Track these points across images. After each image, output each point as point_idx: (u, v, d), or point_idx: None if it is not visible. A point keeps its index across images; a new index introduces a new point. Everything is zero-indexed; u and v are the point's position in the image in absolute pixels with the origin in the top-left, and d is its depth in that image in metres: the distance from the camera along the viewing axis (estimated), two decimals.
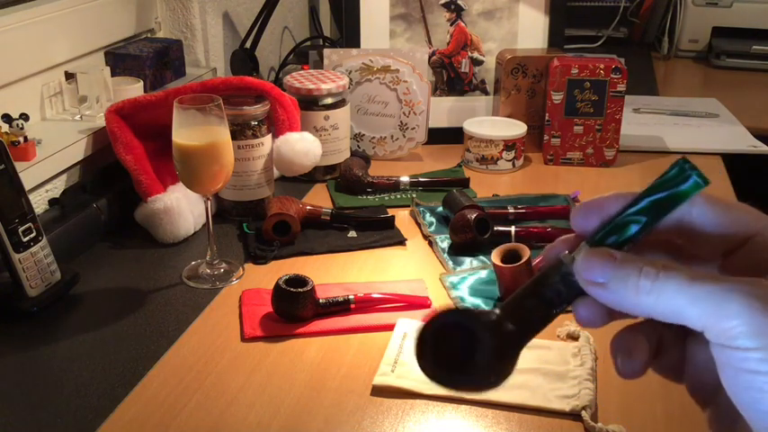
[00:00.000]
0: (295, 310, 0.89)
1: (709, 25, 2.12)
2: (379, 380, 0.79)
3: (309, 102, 1.28)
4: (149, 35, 1.47)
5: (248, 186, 1.16)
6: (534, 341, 0.90)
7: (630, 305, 0.35)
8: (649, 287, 0.34)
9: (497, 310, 0.38)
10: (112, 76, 1.23)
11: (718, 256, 0.38)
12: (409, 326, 0.88)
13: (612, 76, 1.33)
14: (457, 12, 1.45)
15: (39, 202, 1.06)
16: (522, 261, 0.89)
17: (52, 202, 1.07)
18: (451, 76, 1.49)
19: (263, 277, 1.00)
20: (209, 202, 1.00)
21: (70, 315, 0.93)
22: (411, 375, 0.79)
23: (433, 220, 1.16)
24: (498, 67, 1.44)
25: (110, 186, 1.12)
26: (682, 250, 0.39)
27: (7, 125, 1.03)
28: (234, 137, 1.04)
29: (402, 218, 1.17)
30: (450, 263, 1.04)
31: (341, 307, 0.91)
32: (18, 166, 0.91)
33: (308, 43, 1.82)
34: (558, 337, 0.87)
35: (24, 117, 1.04)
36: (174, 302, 0.95)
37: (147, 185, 1.08)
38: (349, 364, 0.83)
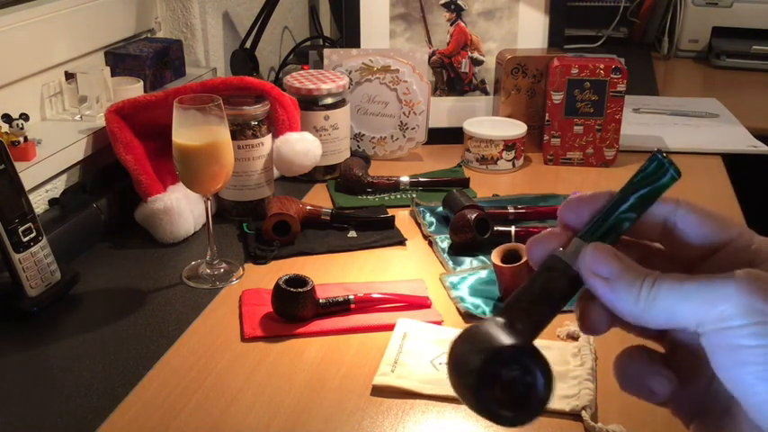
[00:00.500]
0: (295, 310, 0.89)
1: (710, 25, 2.12)
2: (379, 380, 0.79)
3: (309, 102, 1.28)
4: (149, 35, 1.47)
5: (248, 186, 1.16)
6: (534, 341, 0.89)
7: (626, 309, 0.36)
8: (646, 293, 0.35)
9: (500, 318, 0.38)
10: (112, 76, 1.23)
11: (696, 259, 0.39)
12: (409, 326, 0.88)
13: (612, 76, 1.33)
14: (457, 12, 1.46)
15: (39, 202, 1.06)
16: (522, 261, 0.90)
17: (52, 202, 1.07)
18: (451, 76, 1.49)
19: (263, 277, 1.00)
20: (209, 202, 1.00)
21: (70, 315, 0.93)
22: (411, 375, 0.79)
23: (433, 220, 1.16)
24: (498, 67, 1.44)
25: (110, 186, 1.12)
26: (660, 253, 0.40)
27: (7, 125, 1.03)
28: (234, 137, 1.04)
29: (402, 218, 1.17)
30: (450, 263, 1.04)
31: (341, 307, 0.91)
32: (18, 166, 0.91)
33: (308, 43, 1.82)
34: (558, 337, 0.87)
35: (24, 117, 1.04)
36: (174, 302, 0.95)
37: (147, 185, 1.08)
38: (349, 364, 0.83)
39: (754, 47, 2.03)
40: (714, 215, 0.39)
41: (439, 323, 0.90)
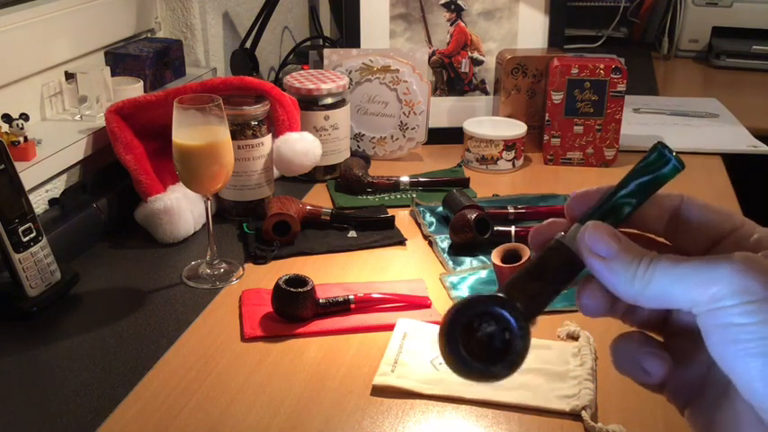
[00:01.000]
0: (295, 310, 0.89)
1: (709, 25, 2.12)
2: (379, 380, 0.79)
3: (309, 102, 1.28)
4: (149, 35, 1.47)
5: (248, 186, 1.16)
6: (534, 341, 0.90)
7: (623, 289, 0.36)
8: (642, 274, 0.35)
9: (501, 294, 0.39)
10: (112, 76, 1.23)
11: (700, 250, 0.40)
12: (409, 326, 0.88)
13: (612, 76, 1.33)
14: (457, 12, 1.46)
15: (39, 202, 1.06)
16: (522, 261, 0.89)
17: (52, 202, 1.07)
18: (451, 76, 1.49)
19: (263, 277, 1.00)
20: (209, 202, 1.00)
21: (70, 315, 0.93)
22: (411, 375, 0.79)
23: (433, 220, 1.16)
24: (498, 67, 1.44)
25: (110, 186, 1.12)
26: (665, 247, 0.41)
27: (7, 125, 1.03)
28: (234, 137, 1.04)
29: (402, 218, 1.17)
30: (450, 263, 1.04)
31: (341, 307, 0.91)
32: (18, 166, 0.91)
33: (308, 43, 1.82)
34: (558, 337, 0.87)
35: (24, 117, 1.04)
36: (174, 302, 0.95)
37: (147, 185, 1.08)
38: (349, 364, 0.83)
39: (754, 47, 2.03)
40: (718, 207, 0.40)
41: (439, 323, 0.90)
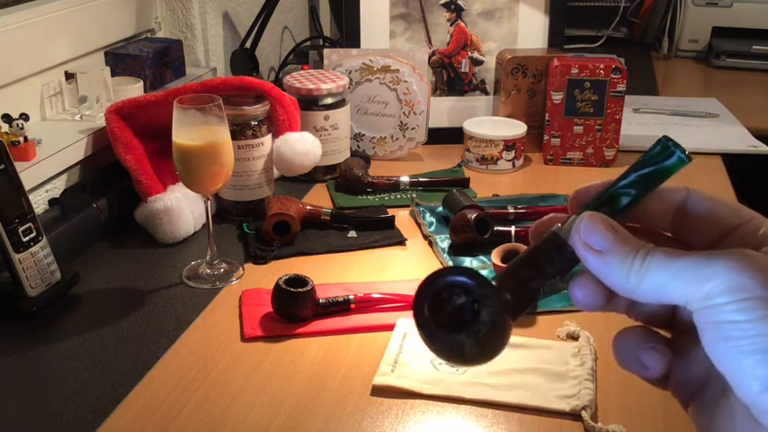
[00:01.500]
0: (295, 310, 0.89)
1: (709, 25, 2.12)
2: (379, 380, 0.79)
3: (309, 102, 1.28)
4: (149, 35, 1.47)
5: (248, 186, 1.16)
6: (534, 341, 0.90)
7: (618, 283, 0.36)
8: (638, 268, 0.35)
9: (494, 281, 0.38)
10: (112, 76, 1.23)
11: (706, 245, 0.39)
12: (409, 326, 0.88)
13: (612, 76, 1.33)
14: (457, 12, 1.46)
15: (39, 202, 1.06)
16: None
17: (52, 202, 1.07)
18: (451, 76, 1.49)
19: (263, 277, 1.00)
20: (209, 202, 1.00)
21: (70, 315, 0.93)
22: (411, 375, 0.79)
23: (433, 220, 1.16)
24: (498, 67, 1.44)
25: (110, 186, 1.12)
26: (670, 242, 0.40)
27: (7, 125, 1.03)
28: (234, 137, 1.04)
29: (402, 218, 1.17)
30: (450, 263, 1.04)
31: (341, 307, 0.91)
32: (18, 166, 0.91)
33: (308, 43, 1.82)
34: (558, 337, 0.87)
35: (24, 117, 1.04)
36: (174, 302, 0.95)
37: (147, 185, 1.08)
38: (349, 364, 0.83)
39: (754, 47, 2.03)
40: (725, 200, 0.39)
41: None
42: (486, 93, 1.50)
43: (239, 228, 1.14)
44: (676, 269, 0.34)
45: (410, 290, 0.95)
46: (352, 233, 1.12)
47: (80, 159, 1.13)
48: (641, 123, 1.60)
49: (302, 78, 1.30)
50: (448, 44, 1.47)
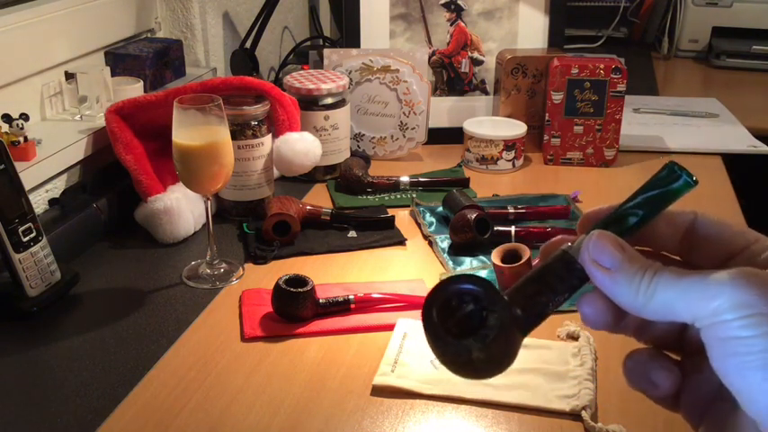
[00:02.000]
0: (295, 310, 0.89)
1: (709, 25, 2.12)
2: (379, 380, 0.79)
3: (309, 102, 1.28)
4: (149, 35, 1.47)
5: (248, 186, 1.16)
6: (534, 341, 0.90)
7: (626, 301, 0.36)
8: (646, 287, 0.35)
9: (506, 295, 0.39)
10: (112, 76, 1.23)
11: (713, 266, 0.39)
12: (409, 326, 0.88)
13: (612, 76, 1.33)
14: (457, 12, 1.46)
15: (39, 202, 1.06)
16: (522, 261, 0.90)
17: (52, 202, 1.07)
18: (451, 76, 1.49)
19: (263, 277, 1.00)
20: (209, 202, 1.00)
21: (70, 315, 0.93)
22: (411, 375, 0.79)
23: (433, 220, 1.16)
24: (498, 67, 1.44)
25: (110, 186, 1.12)
26: (679, 264, 0.41)
27: (7, 125, 1.03)
28: (234, 137, 1.04)
29: (402, 218, 1.17)
30: (450, 263, 1.04)
31: (341, 307, 0.91)
32: (18, 166, 0.91)
33: (308, 43, 1.82)
34: (558, 337, 0.87)
35: (24, 117, 1.04)
36: (174, 302, 0.95)
37: (147, 185, 1.08)
38: (349, 364, 0.83)
39: (754, 47, 2.03)
40: (731, 223, 0.40)
41: None
42: (486, 93, 1.50)
43: (239, 228, 1.14)
44: (683, 287, 0.34)
45: (410, 290, 0.96)
46: (352, 233, 1.12)
47: (80, 159, 1.13)
48: (641, 123, 1.60)
49: (302, 78, 1.30)
50: (448, 44, 1.47)
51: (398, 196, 1.25)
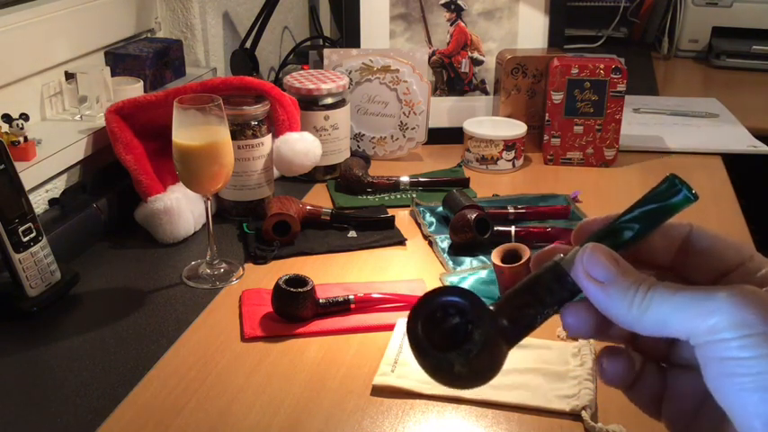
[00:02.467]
0: (295, 310, 0.89)
1: (709, 25, 2.12)
2: (379, 380, 0.79)
3: (309, 102, 1.28)
4: (149, 35, 1.47)
5: (248, 186, 1.16)
6: (534, 341, 0.90)
7: (619, 315, 0.36)
8: (640, 301, 0.35)
9: (492, 307, 0.38)
10: (112, 76, 1.23)
11: (707, 283, 0.39)
12: None
13: (612, 76, 1.33)
14: (457, 12, 1.46)
15: (39, 202, 1.06)
16: (522, 261, 0.90)
17: (52, 202, 1.07)
18: (451, 76, 1.49)
19: (263, 277, 1.00)
20: (209, 202, 1.00)
21: (70, 315, 0.93)
22: (411, 375, 0.79)
23: (433, 220, 1.16)
24: (498, 67, 1.44)
25: (110, 186, 1.12)
26: (673, 278, 0.40)
27: (7, 125, 1.03)
28: (234, 137, 1.04)
29: (402, 218, 1.17)
30: (450, 263, 1.04)
31: (341, 307, 0.91)
32: (18, 166, 0.91)
33: (308, 43, 1.82)
34: (558, 337, 0.87)
35: (24, 117, 1.04)
36: (174, 302, 0.95)
37: (147, 185, 1.08)
38: (349, 364, 0.83)
39: (754, 47, 2.03)
40: (727, 238, 0.39)
41: None
42: (486, 93, 1.50)
43: (239, 228, 1.14)
44: (679, 302, 0.34)
45: (410, 290, 0.96)
46: (352, 233, 1.12)
47: (80, 159, 1.13)
48: (641, 123, 1.60)
49: (302, 78, 1.30)
50: (448, 44, 1.47)
51: (398, 196, 1.25)
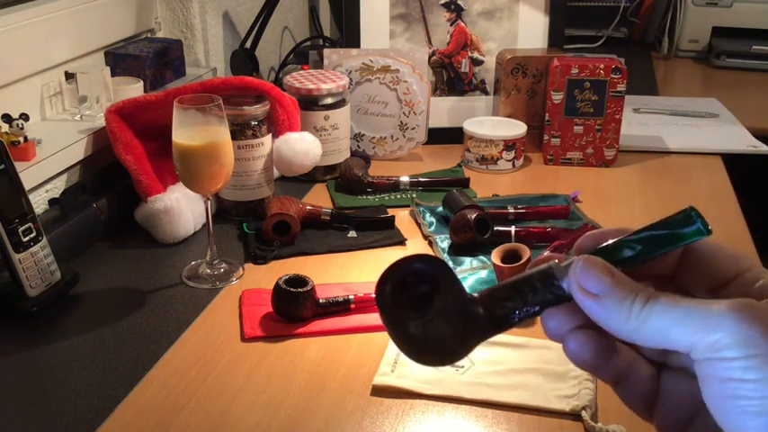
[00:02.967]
0: (295, 310, 0.89)
1: (710, 25, 2.12)
2: (379, 380, 0.79)
3: (309, 102, 1.28)
4: (149, 35, 1.47)
5: (248, 186, 1.16)
6: (534, 341, 0.90)
7: (616, 327, 0.35)
8: (638, 311, 0.34)
9: (476, 294, 0.38)
10: (112, 76, 1.23)
11: (704, 294, 0.39)
12: None
13: (612, 76, 1.33)
14: (457, 12, 1.46)
15: (39, 202, 1.06)
16: (522, 261, 0.90)
17: (52, 202, 1.07)
18: (451, 76, 1.49)
19: (263, 277, 1.00)
20: (209, 202, 1.00)
21: (70, 315, 0.93)
22: (411, 375, 0.79)
23: (433, 220, 1.16)
24: (498, 67, 1.44)
25: (110, 186, 1.12)
26: (671, 289, 0.40)
27: (7, 125, 1.03)
28: (234, 137, 1.04)
29: (402, 218, 1.17)
30: (451, 263, 1.04)
31: (341, 307, 0.91)
32: (18, 166, 0.91)
33: (308, 43, 1.82)
34: None
35: (24, 117, 1.04)
36: (174, 302, 0.95)
37: (147, 185, 1.08)
38: (349, 364, 0.83)
39: (754, 47, 2.03)
40: (727, 248, 0.39)
41: None
42: (486, 93, 1.50)
43: (239, 228, 1.14)
44: (680, 314, 0.33)
45: None
46: (352, 233, 1.12)
47: (80, 159, 1.13)
48: (641, 123, 1.60)
49: (302, 78, 1.30)
50: (448, 44, 1.47)
51: (398, 196, 1.25)
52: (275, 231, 1.07)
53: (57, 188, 1.10)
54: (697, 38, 2.14)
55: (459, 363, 0.81)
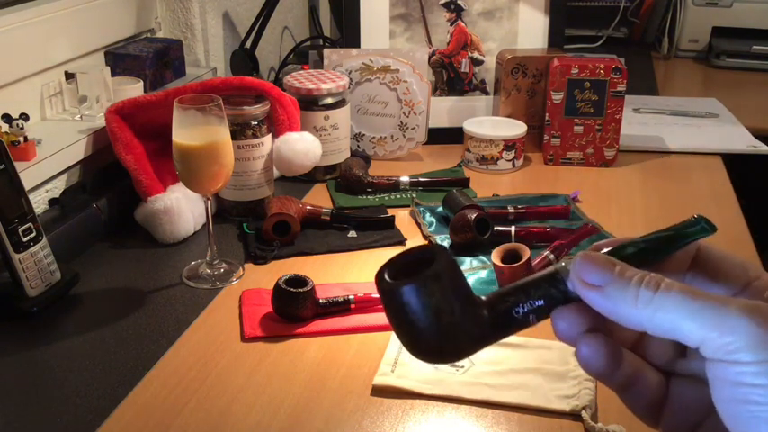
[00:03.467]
0: (295, 310, 0.89)
1: (709, 25, 2.12)
2: (379, 380, 0.79)
3: (309, 102, 1.28)
4: (149, 35, 1.47)
5: (248, 186, 1.16)
6: (534, 341, 0.90)
7: (625, 315, 0.34)
8: (650, 297, 0.33)
9: (484, 297, 0.38)
10: (112, 76, 1.23)
11: None
12: None
13: (612, 76, 1.33)
14: (457, 12, 1.46)
15: (39, 202, 1.06)
16: (522, 261, 0.90)
17: (52, 202, 1.07)
18: (451, 76, 1.49)
19: (263, 277, 1.00)
20: (209, 202, 1.00)
21: (70, 315, 0.93)
22: (411, 375, 0.79)
23: (433, 220, 1.16)
24: (498, 67, 1.44)
25: (110, 186, 1.12)
26: None
27: (7, 125, 1.03)
28: (234, 137, 1.04)
29: (402, 218, 1.17)
30: None
31: (341, 307, 0.91)
32: (18, 166, 0.91)
33: (308, 43, 1.82)
34: None
35: (24, 117, 1.04)
36: (174, 302, 0.95)
37: (147, 185, 1.08)
38: (349, 364, 0.83)
39: (754, 47, 2.03)
40: (734, 257, 0.38)
41: None
42: (486, 93, 1.50)
43: (239, 228, 1.14)
44: (695, 308, 0.32)
45: None
46: (352, 233, 1.12)
47: (80, 159, 1.13)
48: (641, 123, 1.60)
49: (302, 78, 1.30)
50: (448, 44, 1.47)
51: (398, 196, 1.25)
52: (275, 231, 1.07)
53: (57, 188, 1.10)
54: (697, 38, 2.14)
55: (459, 363, 0.81)
